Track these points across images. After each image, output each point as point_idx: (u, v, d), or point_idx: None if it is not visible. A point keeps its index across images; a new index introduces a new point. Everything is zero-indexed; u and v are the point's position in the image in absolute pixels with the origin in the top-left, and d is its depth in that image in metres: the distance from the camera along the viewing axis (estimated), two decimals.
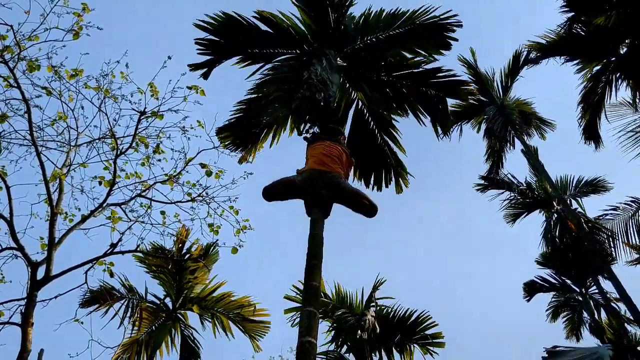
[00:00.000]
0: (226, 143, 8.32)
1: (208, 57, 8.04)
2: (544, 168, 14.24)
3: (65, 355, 8.13)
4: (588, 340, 17.77)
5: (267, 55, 8.12)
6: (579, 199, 15.13)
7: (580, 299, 17.06)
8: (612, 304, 14.05)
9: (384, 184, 8.14)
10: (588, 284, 16.70)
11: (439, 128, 7.75)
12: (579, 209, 14.67)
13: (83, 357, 7.85)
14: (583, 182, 15.40)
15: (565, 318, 17.81)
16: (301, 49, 7.96)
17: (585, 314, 17.26)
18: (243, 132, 8.15)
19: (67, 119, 8.57)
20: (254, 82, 8.10)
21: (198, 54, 8.21)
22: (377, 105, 7.83)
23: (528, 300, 17.77)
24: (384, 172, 8.10)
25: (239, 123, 8.08)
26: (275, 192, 5.62)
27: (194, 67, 8.23)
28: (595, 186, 15.22)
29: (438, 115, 7.56)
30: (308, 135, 7.27)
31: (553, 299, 17.86)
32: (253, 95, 8.01)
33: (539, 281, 17.53)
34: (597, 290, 16.46)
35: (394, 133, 7.96)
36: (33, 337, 7.48)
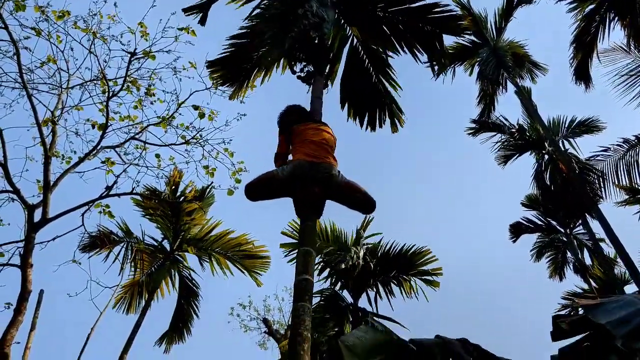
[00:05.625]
0: (216, 76, 8.18)
1: None
2: (536, 109, 14.28)
3: (65, 296, 8.31)
4: (571, 279, 18.43)
5: None
6: (571, 139, 15.21)
7: (565, 239, 17.55)
8: (601, 243, 14.47)
9: (377, 124, 8.07)
10: (573, 225, 17.15)
11: (435, 66, 7.66)
12: (571, 150, 14.82)
13: (82, 296, 8.04)
14: (576, 122, 15.45)
15: (549, 258, 18.37)
16: None
17: (569, 254, 17.82)
18: (234, 68, 7.99)
19: (57, 61, 8.39)
20: (247, 18, 7.89)
21: None
22: (373, 42, 7.68)
23: (514, 241, 18.28)
24: (378, 112, 8.03)
25: (231, 58, 7.92)
26: (257, 192, 4.66)
27: (188, 10, 8.00)
28: (587, 126, 15.28)
29: (434, 52, 7.43)
30: (302, 75, 7.18)
31: (538, 240, 18.35)
32: (246, 31, 7.82)
33: (524, 222, 17.98)
34: (582, 231, 16.95)
35: (389, 72, 7.86)
36: (33, 278, 7.63)
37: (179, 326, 12.05)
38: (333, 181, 4.48)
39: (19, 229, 7.94)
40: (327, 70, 7.53)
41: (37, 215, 7.97)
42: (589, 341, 3.11)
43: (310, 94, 6.25)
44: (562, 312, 18.19)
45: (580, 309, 3.15)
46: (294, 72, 7.25)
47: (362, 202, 4.67)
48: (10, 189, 7.90)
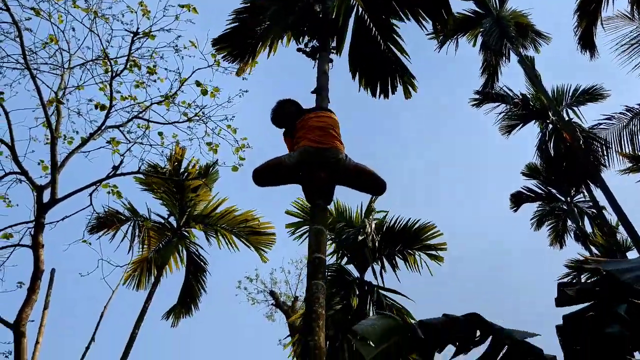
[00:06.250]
0: (223, 53, 8.16)
1: None
2: (540, 79, 14.20)
3: (76, 275, 8.46)
4: (572, 247, 18.62)
5: None
6: (575, 108, 15.15)
7: (565, 207, 17.67)
8: (603, 211, 14.57)
9: (390, 91, 8.02)
10: (574, 193, 17.24)
11: (440, 35, 7.62)
12: (575, 119, 14.78)
13: (93, 276, 8.20)
14: (580, 90, 15.35)
15: (550, 226, 18.53)
16: None
17: (569, 222, 17.97)
18: (240, 43, 7.96)
19: (58, 42, 8.36)
20: None
21: None
22: (377, 10, 7.58)
23: (515, 211, 18.43)
24: (389, 80, 7.99)
25: (235, 34, 7.88)
26: (264, 177, 4.60)
27: None
28: (592, 94, 15.17)
29: (439, 18, 7.33)
30: (308, 50, 7.15)
31: (538, 209, 18.49)
32: (249, 5, 7.76)
33: (525, 192, 18.09)
34: (582, 199, 17.06)
35: (397, 39, 7.80)
36: (44, 258, 7.76)
37: (187, 301, 12.28)
38: (340, 165, 4.44)
39: (27, 209, 8.06)
40: (333, 43, 7.49)
41: (46, 196, 8.06)
42: (593, 310, 3.21)
43: (316, 70, 6.24)
44: (566, 280, 18.49)
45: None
46: (299, 49, 7.24)
47: (371, 185, 4.65)
48: (19, 170, 7.97)
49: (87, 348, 8.97)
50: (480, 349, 3.36)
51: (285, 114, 5.04)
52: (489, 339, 3.51)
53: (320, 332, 3.30)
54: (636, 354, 2.92)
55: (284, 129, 5.04)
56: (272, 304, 18.80)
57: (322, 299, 3.57)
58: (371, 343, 2.76)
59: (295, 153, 4.48)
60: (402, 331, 3.14)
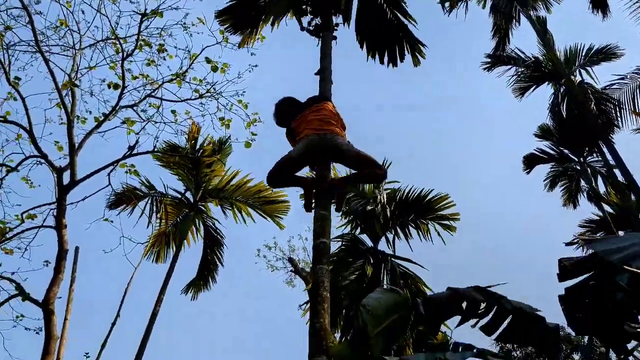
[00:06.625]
0: (226, 25, 8.20)
1: None
2: (552, 39, 13.96)
3: (99, 253, 8.77)
4: (585, 207, 18.58)
5: None
6: (588, 68, 14.91)
7: (578, 168, 17.58)
8: (615, 170, 14.50)
9: (398, 59, 8.02)
10: (586, 153, 17.12)
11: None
12: (588, 79, 14.56)
13: (115, 253, 8.50)
14: (593, 50, 15.06)
15: (563, 187, 18.50)
16: None
17: (582, 183, 17.92)
18: (242, 15, 7.99)
19: (68, 25, 8.46)
20: None
21: None
22: None
23: (528, 173, 18.37)
24: (397, 48, 8.00)
25: (238, 6, 7.90)
26: (278, 177, 4.74)
27: None
28: (605, 54, 14.82)
29: None
30: (311, 28, 7.17)
31: (551, 169, 18.43)
32: None
33: (537, 153, 17.98)
34: (596, 159, 16.94)
35: (403, 5, 7.78)
36: (67, 238, 8.05)
37: (205, 274, 12.63)
38: (344, 150, 4.56)
39: (47, 189, 8.31)
40: (336, 19, 7.46)
41: (65, 177, 8.29)
42: (594, 280, 3.35)
43: (320, 51, 6.27)
44: (577, 240, 18.57)
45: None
46: (302, 27, 7.27)
47: (371, 178, 4.93)
48: (38, 154, 8.20)
49: (114, 324, 9.39)
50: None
51: (285, 112, 5.19)
52: (493, 310, 3.70)
53: (325, 314, 3.52)
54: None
55: (285, 130, 5.18)
56: (291, 271, 19.19)
57: (326, 283, 3.76)
58: (377, 317, 2.95)
59: (300, 144, 4.63)
60: (407, 306, 3.32)
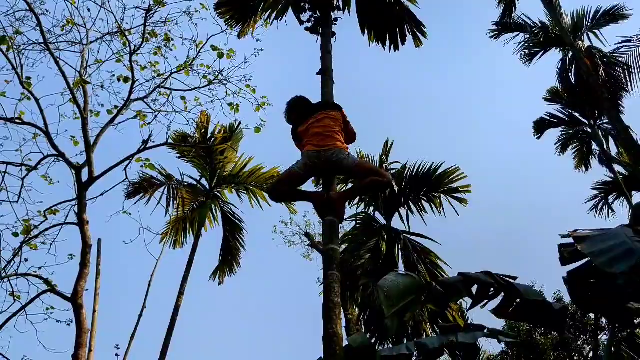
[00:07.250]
0: (226, 17, 8.27)
1: None
2: (559, 2, 13.72)
3: (120, 244, 9.01)
4: (597, 170, 18.50)
5: None
6: (596, 31, 14.72)
7: (589, 130, 17.49)
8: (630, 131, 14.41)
9: (400, 42, 8.04)
10: (596, 115, 17.00)
11: None
12: (597, 43, 14.36)
13: (135, 243, 8.73)
14: (601, 12, 14.83)
15: (574, 150, 18.46)
16: None
17: (594, 145, 17.84)
18: (240, 6, 8.03)
19: (75, 24, 8.57)
20: None
21: None
22: None
23: (538, 138, 18.32)
24: (398, 31, 8.00)
25: None
26: (279, 191, 4.94)
27: None
28: (613, 15, 14.63)
29: None
30: (310, 25, 7.20)
31: (562, 133, 18.36)
32: None
33: (548, 118, 17.90)
34: (606, 121, 16.81)
35: None
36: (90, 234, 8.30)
37: (228, 259, 12.87)
38: (344, 165, 4.65)
39: (66, 185, 8.48)
40: (335, 15, 7.42)
41: (84, 174, 8.51)
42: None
43: (320, 48, 6.31)
44: (593, 202, 18.65)
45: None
46: (301, 23, 7.31)
47: (375, 187, 5.01)
48: (55, 153, 8.41)
49: (140, 315, 9.75)
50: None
51: (295, 113, 5.24)
52: (502, 294, 3.89)
53: (337, 320, 3.69)
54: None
55: (291, 128, 5.25)
56: (307, 245, 19.53)
57: (337, 289, 3.90)
58: (392, 299, 3.15)
59: (300, 161, 4.77)
60: (421, 289, 3.51)
